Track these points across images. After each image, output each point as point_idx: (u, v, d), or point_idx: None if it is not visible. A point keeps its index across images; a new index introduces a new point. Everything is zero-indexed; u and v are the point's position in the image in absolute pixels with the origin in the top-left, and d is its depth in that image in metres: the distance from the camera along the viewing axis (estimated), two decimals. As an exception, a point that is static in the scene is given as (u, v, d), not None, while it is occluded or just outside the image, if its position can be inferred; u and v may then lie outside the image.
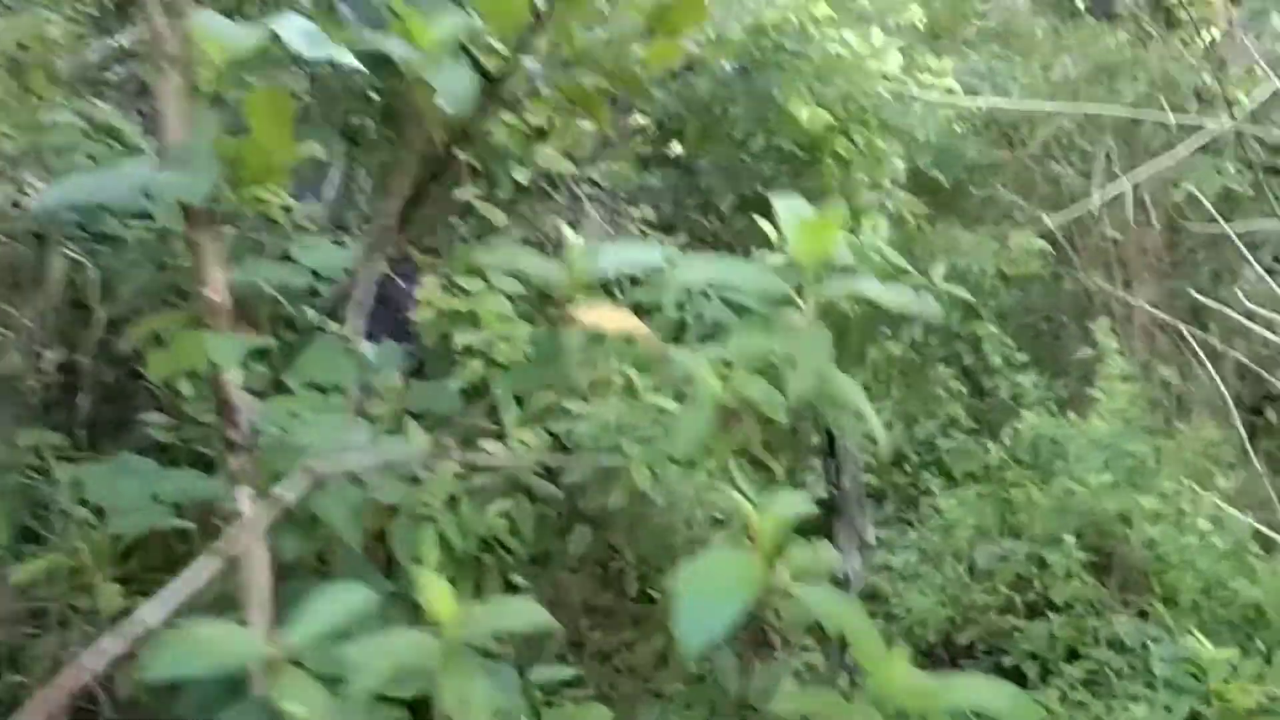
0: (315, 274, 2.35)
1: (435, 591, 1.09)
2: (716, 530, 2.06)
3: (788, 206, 1.28)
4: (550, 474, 2.10)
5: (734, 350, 1.19)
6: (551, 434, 2.10)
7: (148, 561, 2.19)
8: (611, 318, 1.30)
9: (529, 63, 1.22)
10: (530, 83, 1.19)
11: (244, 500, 1.51)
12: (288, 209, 2.78)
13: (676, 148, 3.46)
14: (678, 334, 2.03)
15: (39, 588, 2.16)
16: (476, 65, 1.15)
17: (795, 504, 1.04)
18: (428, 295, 2.48)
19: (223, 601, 1.56)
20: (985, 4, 6.76)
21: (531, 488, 2.10)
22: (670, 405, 1.98)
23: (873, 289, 1.26)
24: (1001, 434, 4.76)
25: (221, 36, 1.45)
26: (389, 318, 2.71)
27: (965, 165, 5.65)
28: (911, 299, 1.24)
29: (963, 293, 2.63)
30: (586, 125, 3.00)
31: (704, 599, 0.88)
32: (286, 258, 2.51)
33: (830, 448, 3.22)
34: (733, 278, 1.30)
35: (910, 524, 4.85)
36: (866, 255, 2.16)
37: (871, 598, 4.57)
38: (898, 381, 5.55)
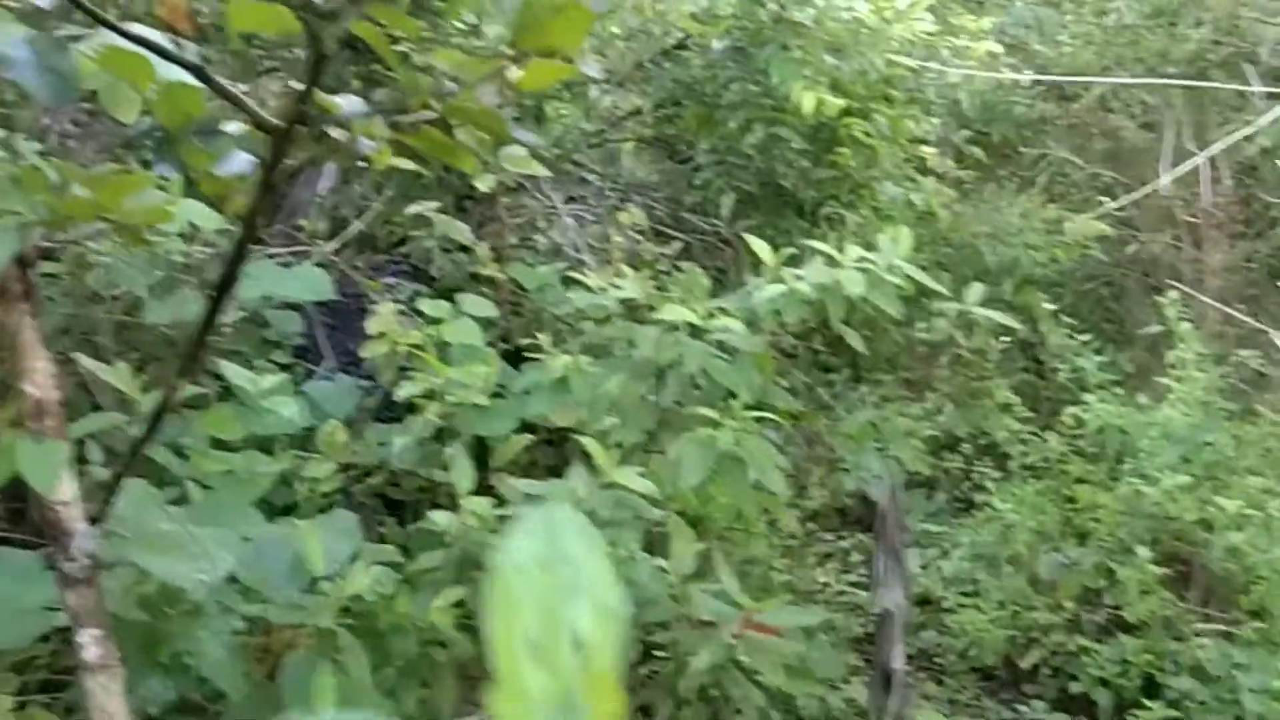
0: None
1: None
2: (703, 634, 1.71)
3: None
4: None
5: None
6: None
7: (54, 666, 1.93)
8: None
9: (346, 104, 0.89)
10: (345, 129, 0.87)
11: (89, 645, 1.22)
12: (224, 231, 2.48)
13: (674, 133, 3.05)
14: (658, 379, 1.71)
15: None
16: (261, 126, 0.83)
17: None
18: (381, 325, 2.17)
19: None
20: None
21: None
22: (638, 484, 1.65)
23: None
24: (1062, 416, 4.32)
25: None
26: (345, 349, 2.42)
27: (1013, 121, 5.15)
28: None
29: (1001, 317, 2.23)
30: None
31: None
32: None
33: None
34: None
35: (963, 521, 4.46)
36: (881, 280, 1.80)
37: (923, 602, 4.20)
38: (948, 361, 5.12)
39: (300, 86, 0.79)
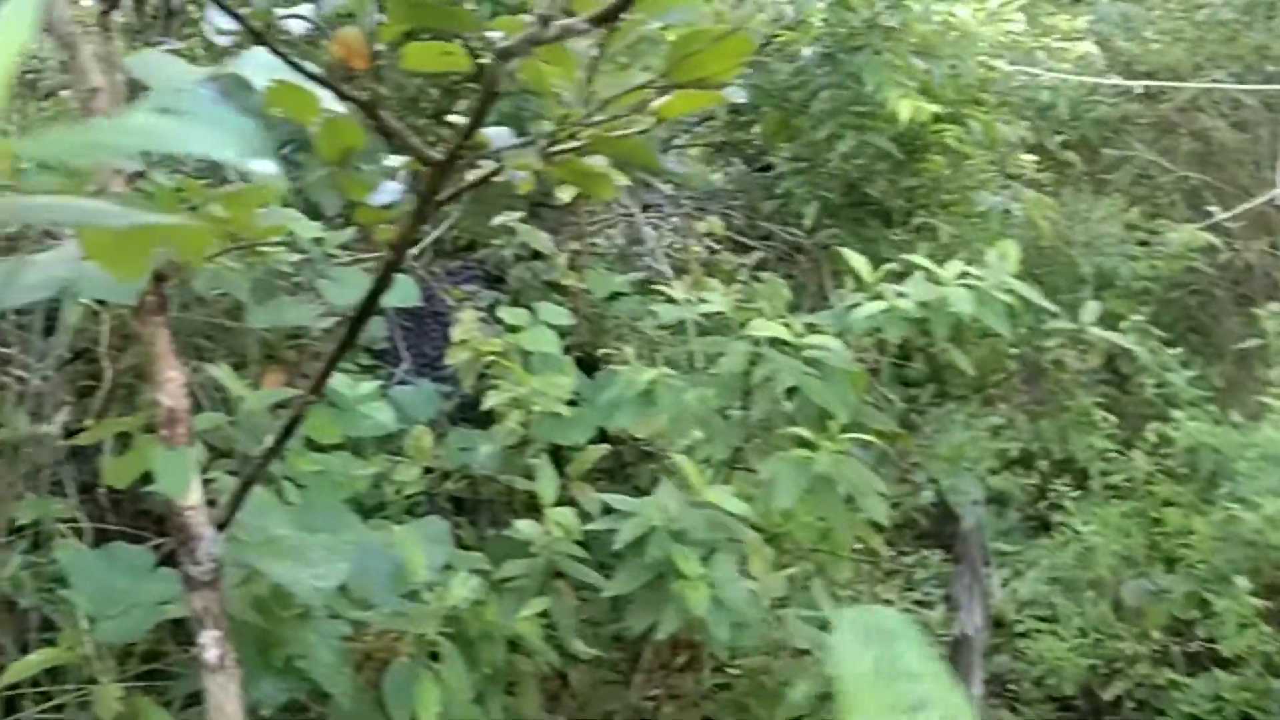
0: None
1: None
2: (799, 664, 1.65)
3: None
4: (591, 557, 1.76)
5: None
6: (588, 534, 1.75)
7: (157, 652, 1.96)
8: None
9: (496, 136, 0.89)
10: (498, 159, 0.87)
11: (210, 646, 1.24)
12: (319, 239, 2.48)
13: (752, 137, 2.99)
14: (745, 393, 1.66)
15: (44, 685, 1.95)
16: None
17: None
18: (464, 333, 2.17)
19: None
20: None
21: (572, 575, 1.76)
22: (732, 505, 1.60)
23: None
24: (1145, 433, 4.11)
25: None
26: (420, 352, 2.43)
27: (1095, 121, 4.93)
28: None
29: (1119, 339, 2.12)
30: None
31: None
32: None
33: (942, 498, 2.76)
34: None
35: (1038, 541, 4.29)
36: (990, 298, 1.71)
37: (996, 625, 4.06)
38: (1034, 375, 4.94)
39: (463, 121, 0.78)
